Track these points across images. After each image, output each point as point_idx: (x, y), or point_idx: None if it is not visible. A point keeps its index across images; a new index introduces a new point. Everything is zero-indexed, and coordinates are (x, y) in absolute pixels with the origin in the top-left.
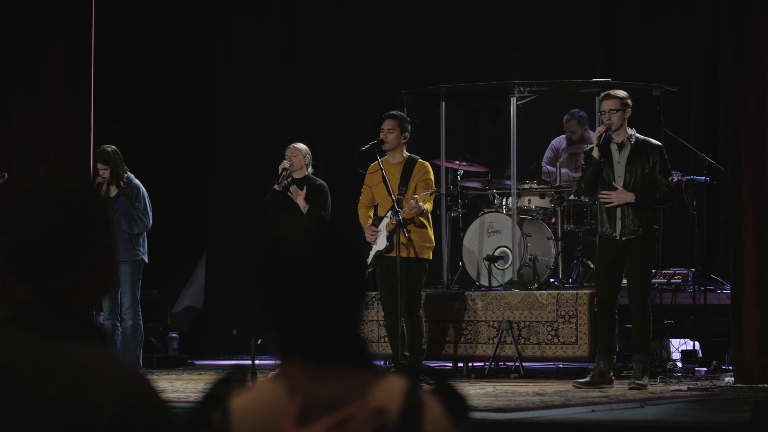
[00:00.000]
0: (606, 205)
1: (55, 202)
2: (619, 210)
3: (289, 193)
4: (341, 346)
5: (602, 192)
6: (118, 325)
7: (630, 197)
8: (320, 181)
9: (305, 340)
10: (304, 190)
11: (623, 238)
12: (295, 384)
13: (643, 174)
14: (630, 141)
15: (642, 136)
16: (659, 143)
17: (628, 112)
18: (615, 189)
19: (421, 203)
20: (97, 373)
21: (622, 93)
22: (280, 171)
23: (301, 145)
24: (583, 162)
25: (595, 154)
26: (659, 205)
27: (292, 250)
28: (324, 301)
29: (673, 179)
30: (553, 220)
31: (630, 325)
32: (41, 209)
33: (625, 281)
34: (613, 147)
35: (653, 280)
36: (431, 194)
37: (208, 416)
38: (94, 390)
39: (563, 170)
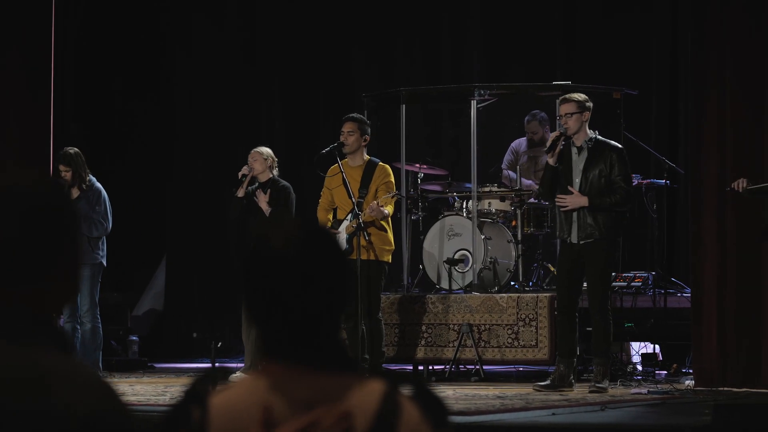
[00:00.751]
0: (561, 209)
1: (23, 205)
2: (575, 214)
3: (255, 198)
4: (322, 347)
5: (558, 196)
6: (78, 328)
7: (584, 201)
8: (284, 182)
9: (286, 341)
10: (267, 194)
11: (580, 242)
12: (274, 384)
13: (600, 177)
14: (589, 144)
15: (603, 139)
16: (619, 145)
17: (586, 114)
18: (571, 193)
19: (382, 207)
20: (66, 379)
21: (580, 96)
22: (239, 177)
23: (263, 149)
24: (545, 163)
25: (550, 160)
26: (615, 208)
27: (275, 250)
28: (306, 302)
29: (633, 182)
30: (514, 223)
31: (590, 329)
32: (9, 213)
33: (585, 285)
34: (573, 150)
35: (614, 284)
36: (393, 197)
37: (188, 414)
38: (63, 396)
39: (527, 182)
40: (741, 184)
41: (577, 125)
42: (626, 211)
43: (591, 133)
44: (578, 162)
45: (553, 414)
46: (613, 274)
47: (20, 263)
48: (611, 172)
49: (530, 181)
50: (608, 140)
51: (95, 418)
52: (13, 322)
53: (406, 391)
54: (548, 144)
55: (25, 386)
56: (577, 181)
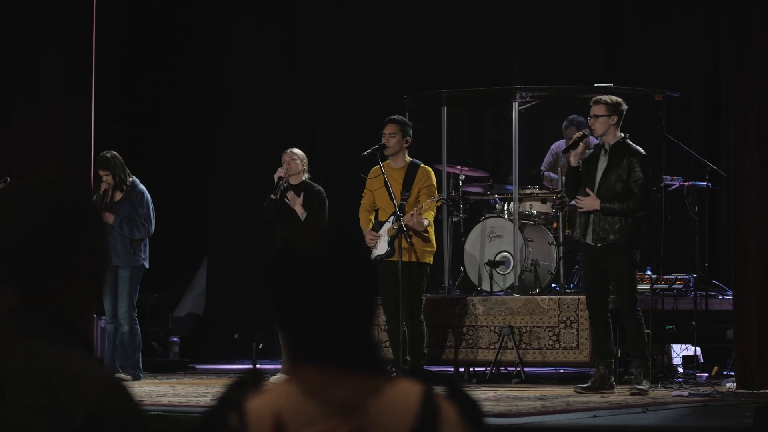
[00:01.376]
0: (579, 210)
1: (42, 206)
2: (592, 216)
3: (286, 200)
4: (353, 348)
5: (577, 197)
6: (119, 329)
7: (596, 204)
8: (318, 186)
9: (318, 343)
10: (302, 197)
11: (598, 245)
12: (308, 387)
13: (618, 181)
14: (614, 147)
15: (628, 143)
16: (641, 151)
17: (614, 118)
18: (588, 195)
19: (422, 218)
20: (74, 378)
21: (611, 98)
22: (275, 180)
23: (297, 151)
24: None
25: (572, 160)
26: (625, 214)
27: (304, 253)
28: (335, 304)
29: (652, 189)
30: (555, 225)
31: None
32: (28, 213)
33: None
34: (602, 153)
35: (655, 286)
36: (437, 201)
37: (224, 419)
38: (68, 395)
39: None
40: None
41: (603, 128)
42: (642, 217)
43: (620, 136)
44: (602, 164)
45: (594, 416)
46: (651, 274)
47: (38, 262)
48: (628, 178)
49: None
50: (632, 144)
51: (103, 415)
52: (30, 318)
53: (440, 391)
54: (570, 143)
55: (31, 381)
56: (596, 183)
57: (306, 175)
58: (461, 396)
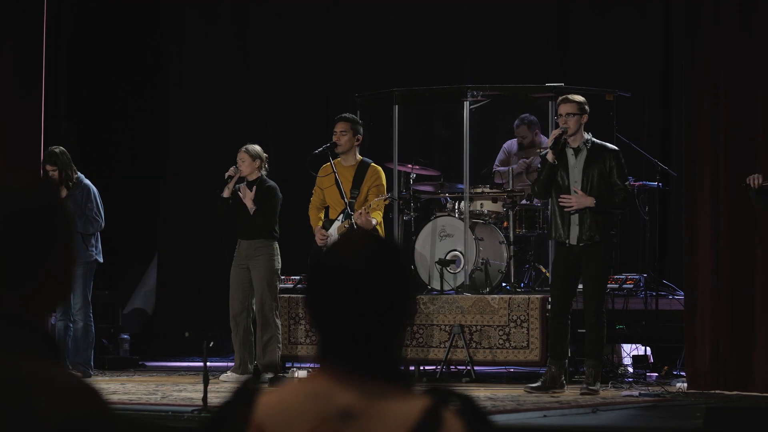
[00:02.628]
0: (565, 209)
1: (13, 208)
2: (576, 216)
3: (239, 193)
4: (375, 356)
5: (561, 196)
6: (71, 326)
7: (590, 201)
8: (271, 182)
9: (343, 347)
10: (254, 191)
11: (580, 244)
12: (318, 389)
13: (600, 178)
14: (586, 146)
15: (599, 141)
16: (616, 148)
17: (585, 117)
18: (572, 193)
19: (370, 217)
20: (47, 386)
21: (580, 98)
22: (225, 178)
23: (252, 148)
24: (538, 165)
25: (549, 157)
26: (618, 210)
27: (344, 259)
28: (367, 311)
29: (630, 184)
30: (505, 224)
31: (583, 330)
32: None
33: (580, 286)
34: (569, 152)
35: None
36: (385, 200)
37: (236, 410)
38: (42, 403)
39: (519, 185)
40: (756, 180)
41: (576, 126)
42: (623, 213)
43: (587, 136)
44: (576, 163)
45: (545, 416)
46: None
47: (10, 264)
48: (611, 174)
49: (521, 186)
50: (605, 143)
51: (76, 422)
52: (1, 327)
53: (453, 407)
54: (550, 142)
55: (6, 390)
56: (578, 181)
57: (263, 171)
58: (473, 414)
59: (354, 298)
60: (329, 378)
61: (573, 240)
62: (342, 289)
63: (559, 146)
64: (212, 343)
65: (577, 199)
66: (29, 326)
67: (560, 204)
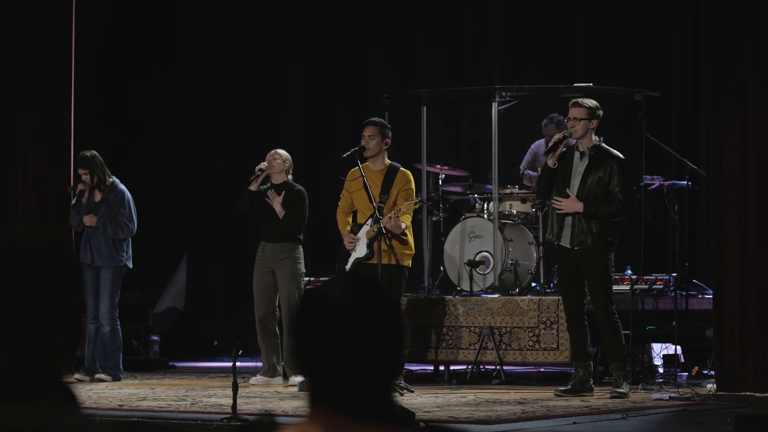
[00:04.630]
0: (557, 212)
1: (27, 261)
2: (569, 218)
3: (266, 199)
4: (370, 400)
5: (555, 198)
6: (99, 330)
7: (579, 207)
8: (299, 187)
9: (336, 392)
10: (282, 196)
11: (575, 248)
12: None
13: (599, 184)
14: (591, 151)
15: (606, 147)
16: (620, 156)
17: (594, 122)
18: (568, 196)
19: (399, 221)
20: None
21: (591, 102)
22: (255, 171)
23: (282, 152)
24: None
25: (549, 161)
26: (609, 218)
27: (332, 303)
28: (359, 356)
29: (631, 193)
30: (535, 226)
31: None
32: (13, 268)
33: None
34: (576, 155)
35: (636, 286)
36: (415, 204)
37: None
38: None
39: None
40: None
41: (583, 131)
42: (621, 222)
43: (596, 140)
44: (579, 166)
45: (574, 423)
46: (631, 275)
47: (24, 315)
48: (610, 182)
49: None
50: (611, 149)
51: None
52: (18, 378)
53: None
54: (549, 145)
55: None
56: (575, 185)
57: (289, 176)
58: None
59: (346, 343)
60: (328, 423)
61: (566, 242)
62: (333, 333)
63: (557, 150)
64: (241, 351)
65: (567, 203)
66: (48, 376)
67: (552, 205)
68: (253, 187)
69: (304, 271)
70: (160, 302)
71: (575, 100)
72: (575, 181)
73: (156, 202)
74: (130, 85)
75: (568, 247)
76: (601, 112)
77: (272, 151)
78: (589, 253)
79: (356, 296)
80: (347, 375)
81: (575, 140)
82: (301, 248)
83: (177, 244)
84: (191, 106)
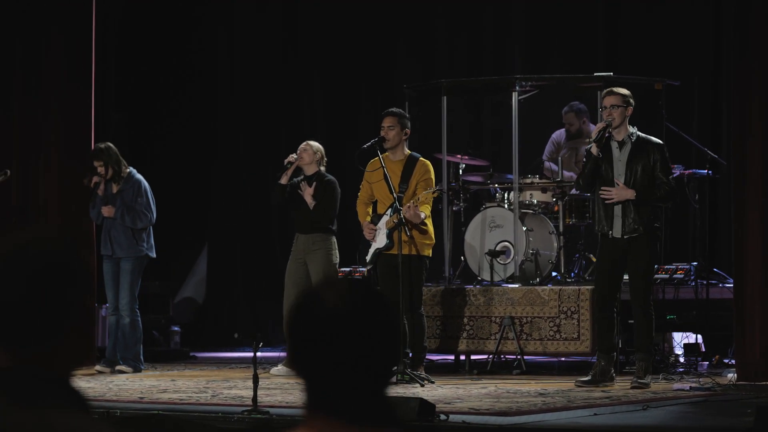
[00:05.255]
0: (606, 202)
1: (35, 266)
2: (618, 208)
3: (299, 191)
4: (367, 405)
5: (603, 188)
6: (120, 320)
7: (631, 194)
8: (330, 177)
9: (332, 396)
10: (313, 186)
11: (625, 237)
12: None
13: (644, 172)
14: (631, 139)
15: (643, 134)
16: (660, 141)
17: (629, 110)
18: (615, 186)
19: (418, 210)
20: None
21: (624, 91)
22: (285, 164)
23: (314, 143)
24: (584, 158)
25: (594, 150)
26: (660, 203)
27: (327, 308)
28: (355, 361)
29: (674, 176)
30: (556, 208)
31: (632, 321)
32: (20, 275)
33: (626, 278)
34: (614, 144)
35: (656, 275)
36: (434, 193)
37: None
38: None
39: (568, 173)
40: None
41: (621, 118)
42: (667, 207)
43: (631, 129)
44: (620, 156)
45: (595, 414)
46: (656, 266)
47: (31, 322)
48: (654, 168)
49: (571, 173)
50: (649, 136)
51: None
52: (27, 382)
53: None
54: (594, 135)
55: None
56: (621, 174)
57: (322, 167)
58: None
59: (341, 346)
60: (324, 428)
61: (617, 233)
62: (329, 337)
63: (603, 139)
64: (261, 344)
65: (617, 192)
66: (57, 381)
67: (601, 196)
68: (283, 180)
69: (337, 261)
70: (180, 291)
71: (608, 89)
72: (620, 171)
73: (177, 191)
74: (151, 75)
75: (618, 237)
76: (633, 100)
77: (304, 143)
78: (640, 240)
79: (351, 300)
80: (342, 379)
81: (609, 131)
82: (333, 239)
83: (198, 234)
84: (213, 96)
